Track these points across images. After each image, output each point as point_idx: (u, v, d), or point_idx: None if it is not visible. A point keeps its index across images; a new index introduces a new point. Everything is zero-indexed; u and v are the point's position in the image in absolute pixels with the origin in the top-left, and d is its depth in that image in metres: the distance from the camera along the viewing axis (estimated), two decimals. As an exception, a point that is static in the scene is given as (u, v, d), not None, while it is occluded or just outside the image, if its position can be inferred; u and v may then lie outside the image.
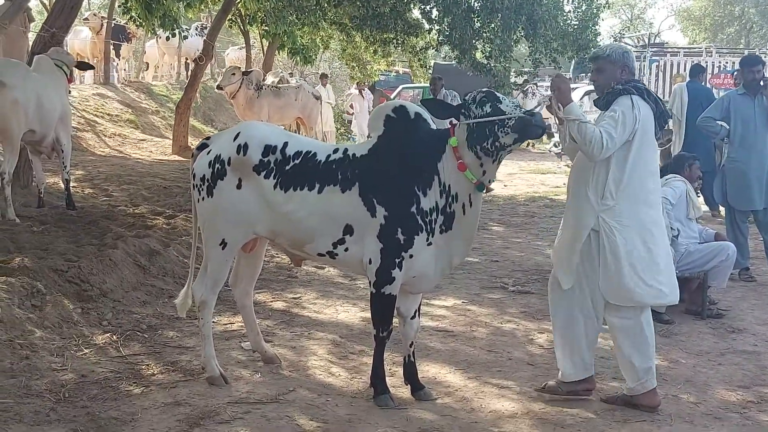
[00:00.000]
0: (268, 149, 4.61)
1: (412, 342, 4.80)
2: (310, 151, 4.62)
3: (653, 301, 4.65)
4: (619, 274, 4.49)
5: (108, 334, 5.54)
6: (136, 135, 16.78)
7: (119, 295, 6.27)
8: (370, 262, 4.48)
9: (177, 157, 14.58)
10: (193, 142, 15.57)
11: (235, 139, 4.65)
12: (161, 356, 5.27)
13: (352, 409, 4.53)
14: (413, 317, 4.78)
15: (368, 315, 6.22)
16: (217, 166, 4.63)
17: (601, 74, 4.68)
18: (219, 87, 14.68)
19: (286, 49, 12.69)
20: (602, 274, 4.54)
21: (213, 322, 5.84)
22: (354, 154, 4.58)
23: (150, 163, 13.71)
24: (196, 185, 4.73)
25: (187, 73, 21.24)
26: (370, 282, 4.56)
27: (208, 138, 4.98)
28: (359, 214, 4.46)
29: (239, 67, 15.47)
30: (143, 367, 5.06)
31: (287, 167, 4.58)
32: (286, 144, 4.64)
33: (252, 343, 5.24)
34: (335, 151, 4.64)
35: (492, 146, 4.35)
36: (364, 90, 20.45)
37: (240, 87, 14.08)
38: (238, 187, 4.61)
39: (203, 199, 4.70)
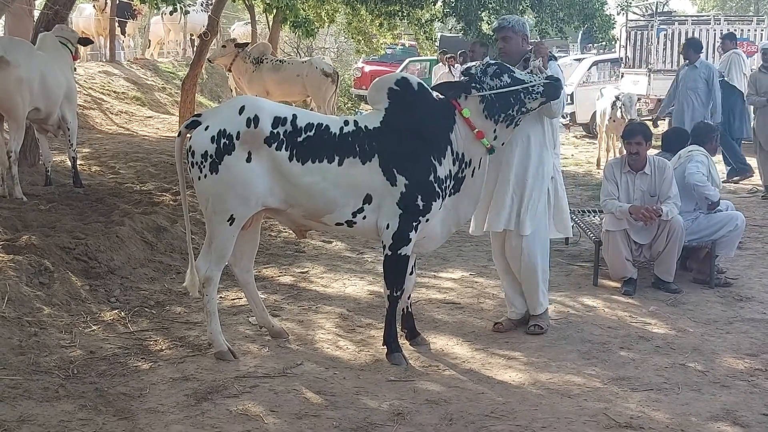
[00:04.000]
0: (278, 121, 4.61)
1: (410, 295, 5.18)
2: (322, 124, 4.70)
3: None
4: (564, 210, 5.46)
5: (116, 311, 5.56)
6: (143, 112, 16.75)
7: (127, 272, 6.29)
8: (387, 227, 4.72)
9: (184, 134, 14.53)
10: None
11: (241, 113, 4.59)
12: (169, 332, 5.29)
13: (359, 381, 4.55)
14: (411, 273, 5.05)
15: (375, 288, 6.28)
16: (223, 141, 4.56)
17: (508, 43, 5.28)
18: (209, 60, 14.53)
19: (288, 22, 12.49)
20: (555, 213, 5.36)
21: (221, 297, 5.89)
22: (366, 126, 4.73)
23: (157, 140, 13.69)
24: (196, 163, 4.61)
25: (193, 50, 21.16)
26: (384, 245, 4.76)
27: (198, 115, 4.85)
28: (380, 183, 4.69)
29: (234, 39, 15.27)
30: (151, 342, 5.08)
31: (299, 139, 4.61)
32: (295, 116, 4.67)
33: (258, 319, 5.25)
34: (346, 123, 4.75)
35: (518, 112, 4.81)
36: (454, 66, 18.38)
37: (234, 60, 13.88)
38: (248, 160, 4.57)
39: (205, 176, 4.61)
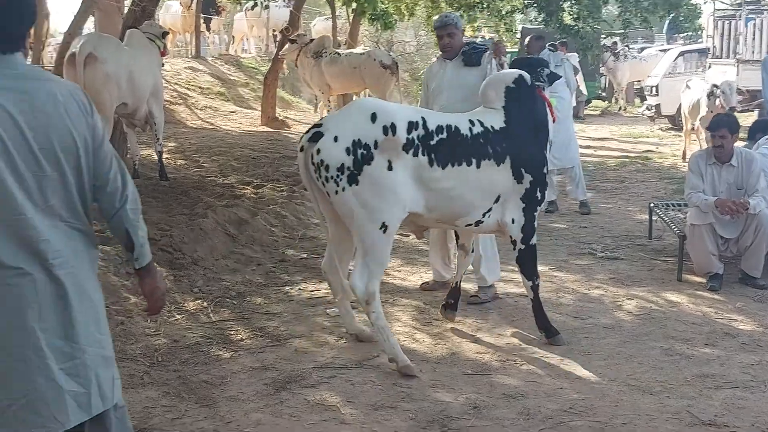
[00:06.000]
0: (411, 126, 4.54)
1: (465, 271, 5.43)
2: (452, 125, 4.70)
3: None
4: None
5: (199, 301, 5.70)
6: (227, 107, 17.03)
7: (209, 263, 6.43)
8: (512, 222, 4.91)
9: (265, 128, 14.77)
10: (281, 113, 15.71)
11: (374, 120, 4.46)
12: (249, 322, 5.39)
13: (435, 374, 4.55)
14: (473, 250, 5.33)
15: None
16: (360, 151, 4.39)
17: (453, 38, 5.78)
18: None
19: (367, 15, 12.54)
20: None
21: (299, 289, 5.97)
22: (492, 127, 4.82)
23: (239, 135, 13.91)
24: (332, 177, 4.41)
25: (275, 45, 21.42)
26: (515, 240, 4.94)
27: (318, 125, 4.60)
28: (509, 183, 4.85)
29: (304, 34, 15.51)
30: (232, 332, 5.18)
31: (432, 142, 4.57)
32: (424, 119, 4.62)
33: (348, 327, 5.09)
34: (472, 123, 4.79)
35: None
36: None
37: (299, 54, 14.14)
38: (390, 168, 4.46)
39: (344, 189, 4.42)
